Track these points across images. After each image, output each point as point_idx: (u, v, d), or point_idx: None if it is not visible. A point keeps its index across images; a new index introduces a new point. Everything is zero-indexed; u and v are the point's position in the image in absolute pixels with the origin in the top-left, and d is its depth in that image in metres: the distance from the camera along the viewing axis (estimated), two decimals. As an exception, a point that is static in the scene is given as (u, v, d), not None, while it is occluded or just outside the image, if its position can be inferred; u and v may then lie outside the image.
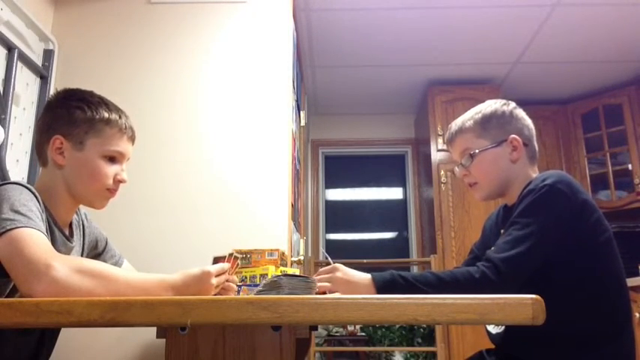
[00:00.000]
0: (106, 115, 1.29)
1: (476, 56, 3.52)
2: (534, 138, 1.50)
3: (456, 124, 1.53)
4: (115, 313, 0.86)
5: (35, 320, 0.86)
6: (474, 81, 3.82)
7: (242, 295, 1.44)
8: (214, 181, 2.11)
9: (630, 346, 1.27)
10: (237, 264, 1.33)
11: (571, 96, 4.03)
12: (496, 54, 3.49)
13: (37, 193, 1.19)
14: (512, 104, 1.51)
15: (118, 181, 1.32)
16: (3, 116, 1.86)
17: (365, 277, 1.31)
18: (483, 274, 1.22)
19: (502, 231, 1.43)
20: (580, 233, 1.26)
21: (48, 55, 2.19)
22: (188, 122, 2.18)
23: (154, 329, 1.19)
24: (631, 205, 3.66)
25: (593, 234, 1.28)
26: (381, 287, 1.28)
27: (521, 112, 1.51)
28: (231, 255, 1.30)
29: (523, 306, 0.83)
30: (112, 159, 1.30)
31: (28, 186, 1.19)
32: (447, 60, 3.57)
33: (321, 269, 1.39)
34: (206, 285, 1.19)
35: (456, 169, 1.55)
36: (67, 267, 1.02)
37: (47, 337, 1.33)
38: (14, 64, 1.95)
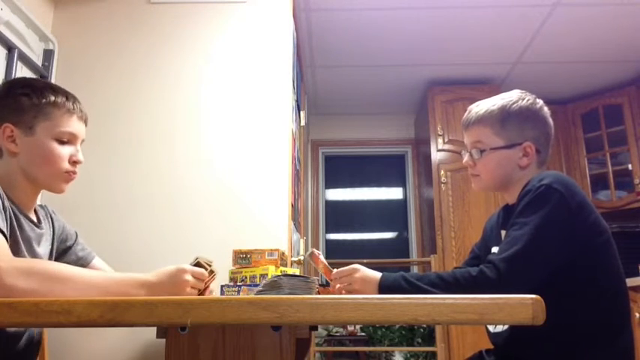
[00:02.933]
0: (53, 97, 1.29)
1: (476, 56, 3.52)
2: (550, 143, 1.46)
3: (477, 111, 1.47)
4: (115, 313, 0.86)
5: (35, 320, 0.86)
6: (474, 81, 3.82)
7: (242, 295, 1.44)
8: (214, 181, 2.11)
9: (629, 346, 1.27)
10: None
11: (571, 96, 4.03)
12: (496, 54, 3.49)
13: None
14: (540, 103, 1.45)
15: (74, 162, 1.31)
16: None
17: (376, 276, 1.34)
18: (481, 273, 1.22)
19: (502, 232, 1.43)
20: (578, 234, 1.26)
21: (48, 55, 2.19)
22: (188, 122, 2.18)
23: (153, 329, 1.19)
24: (631, 205, 3.65)
25: (592, 235, 1.28)
26: (385, 287, 1.30)
27: (545, 114, 1.45)
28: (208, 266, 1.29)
29: (523, 306, 0.83)
30: (65, 141, 1.30)
31: None
32: (447, 60, 3.57)
33: (341, 269, 1.40)
34: (180, 281, 1.19)
35: (464, 154, 1.51)
36: (15, 270, 1.01)
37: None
38: (14, 64, 1.95)
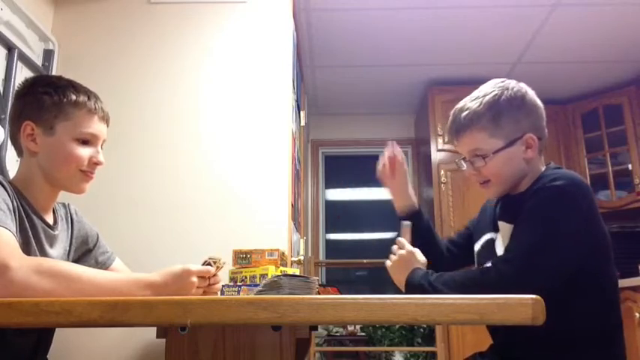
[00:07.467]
0: (74, 97, 1.28)
1: (476, 56, 3.52)
2: (545, 124, 1.38)
3: (464, 116, 1.36)
4: (115, 313, 0.86)
5: (35, 320, 0.86)
6: (474, 81, 3.73)
7: (242, 295, 1.44)
8: (214, 181, 2.11)
9: (622, 347, 1.28)
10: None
11: (571, 96, 4.03)
12: (496, 54, 3.49)
13: (4, 182, 1.18)
14: (524, 88, 1.38)
15: (94, 164, 1.30)
16: (3, 116, 1.86)
17: (412, 268, 1.34)
18: (485, 275, 1.22)
19: (500, 223, 1.39)
20: (586, 238, 1.25)
21: (48, 55, 2.19)
22: (188, 122, 2.18)
23: (153, 329, 1.19)
24: (631, 205, 3.65)
25: (597, 238, 1.27)
26: (410, 285, 1.31)
27: (532, 97, 1.37)
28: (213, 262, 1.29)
29: (523, 306, 0.83)
30: (86, 142, 1.29)
31: None
32: (447, 60, 3.57)
33: (400, 239, 1.42)
34: (186, 283, 1.18)
35: (462, 163, 1.42)
36: (26, 268, 1.01)
37: (44, 336, 1.33)
38: (14, 64, 1.95)
